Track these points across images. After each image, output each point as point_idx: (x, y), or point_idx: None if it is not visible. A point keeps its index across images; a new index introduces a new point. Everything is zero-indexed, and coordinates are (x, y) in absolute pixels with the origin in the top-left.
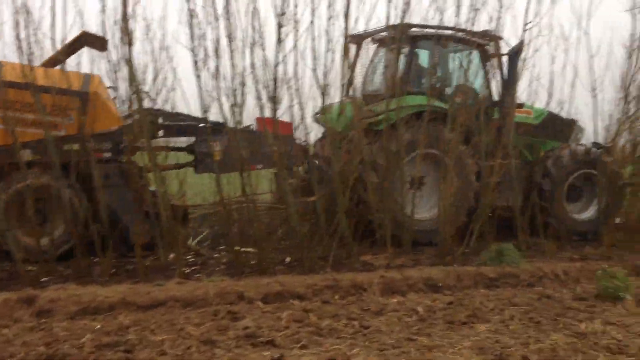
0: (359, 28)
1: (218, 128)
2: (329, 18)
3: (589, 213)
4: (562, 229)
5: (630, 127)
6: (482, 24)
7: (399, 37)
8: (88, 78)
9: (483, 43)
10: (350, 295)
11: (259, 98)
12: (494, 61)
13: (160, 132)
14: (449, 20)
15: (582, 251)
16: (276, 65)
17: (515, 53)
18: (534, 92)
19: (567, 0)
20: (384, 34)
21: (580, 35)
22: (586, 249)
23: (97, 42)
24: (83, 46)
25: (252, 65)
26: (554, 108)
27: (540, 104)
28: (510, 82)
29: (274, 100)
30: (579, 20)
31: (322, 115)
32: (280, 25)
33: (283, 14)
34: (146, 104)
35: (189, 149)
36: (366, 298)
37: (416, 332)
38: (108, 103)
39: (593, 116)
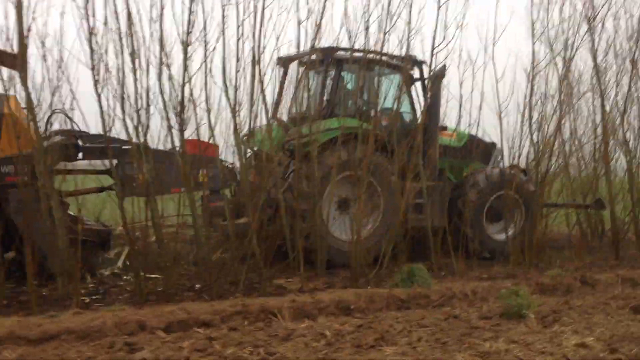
0: (269, 50)
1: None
2: (238, 39)
3: (509, 233)
4: (483, 249)
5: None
6: (391, 47)
7: (325, 60)
8: (3, 98)
9: (407, 67)
10: (260, 320)
11: (167, 119)
12: (419, 85)
13: (80, 155)
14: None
15: (490, 270)
16: (183, 85)
17: (438, 77)
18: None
19: (474, 27)
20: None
21: (487, 60)
22: (494, 268)
23: (7, 60)
24: None
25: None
26: (476, 131)
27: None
28: (433, 106)
29: (182, 122)
30: (485, 47)
31: (249, 138)
32: (186, 45)
33: (189, 32)
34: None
35: (110, 172)
36: (275, 323)
37: (323, 357)
38: (24, 124)
39: (500, 139)
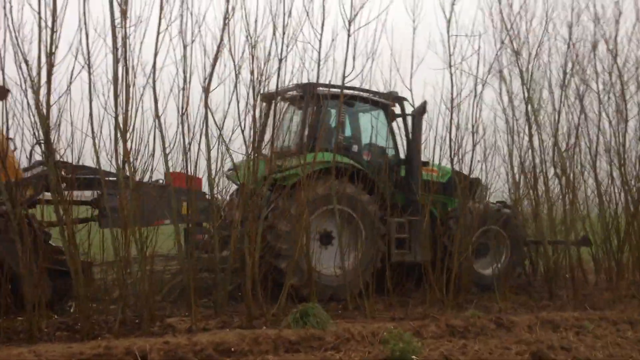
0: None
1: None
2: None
3: (495, 268)
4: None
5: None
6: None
7: (305, 96)
8: None
9: (388, 103)
10: None
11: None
12: (399, 121)
13: (63, 185)
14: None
15: (406, 310)
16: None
17: (419, 113)
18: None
19: (388, 56)
20: (293, 92)
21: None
22: (409, 307)
23: None
24: None
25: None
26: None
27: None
28: (415, 141)
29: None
30: (402, 78)
31: (233, 172)
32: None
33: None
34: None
35: (93, 203)
36: None
37: None
38: (8, 154)
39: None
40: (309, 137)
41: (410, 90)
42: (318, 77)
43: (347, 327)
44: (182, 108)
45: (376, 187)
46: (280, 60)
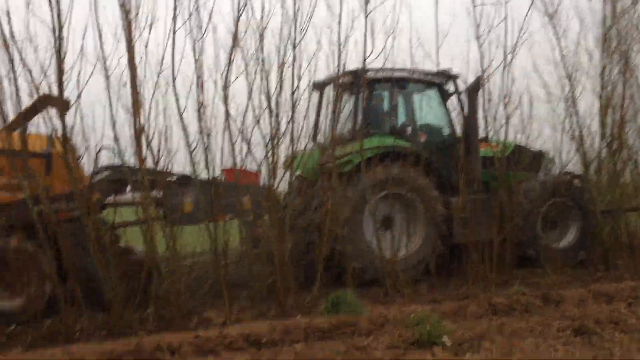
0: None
1: (186, 181)
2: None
3: (566, 241)
4: (539, 258)
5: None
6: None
7: (356, 82)
8: (52, 139)
9: (441, 82)
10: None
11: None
12: (454, 99)
13: (128, 188)
14: None
15: (447, 291)
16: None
17: (473, 89)
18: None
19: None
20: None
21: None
22: (452, 288)
23: (58, 104)
24: (44, 108)
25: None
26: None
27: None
28: (470, 118)
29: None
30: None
31: (291, 163)
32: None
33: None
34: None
35: (157, 203)
36: None
37: None
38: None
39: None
40: (362, 123)
41: (438, 65)
42: (339, 61)
43: (382, 312)
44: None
45: (434, 168)
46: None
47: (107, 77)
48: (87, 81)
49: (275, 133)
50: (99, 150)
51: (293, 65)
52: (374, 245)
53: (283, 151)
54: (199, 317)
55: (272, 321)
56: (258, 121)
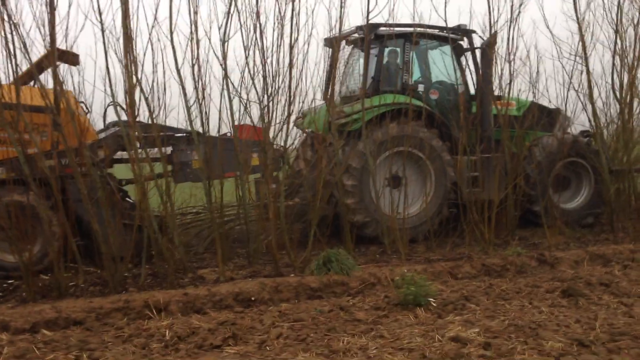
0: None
1: (195, 137)
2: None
3: (576, 202)
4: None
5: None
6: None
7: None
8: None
9: (456, 38)
10: (142, 317)
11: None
12: (469, 55)
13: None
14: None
15: (442, 250)
16: None
17: (488, 46)
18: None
19: None
20: (356, 35)
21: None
22: (449, 248)
23: (69, 58)
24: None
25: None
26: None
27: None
28: (485, 75)
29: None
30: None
31: (302, 119)
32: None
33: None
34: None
35: (167, 159)
36: (153, 321)
37: None
38: (81, 118)
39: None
40: (372, 80)
41: (445, 20)
42: (341, 19)
43: (374, 272)
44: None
45: (445, 126)
46: None
47: (102, 31)
48: (81, 31)
49: (271, 89)
50: (108, 106)
51: (292, 20)
52: (380, 201)
53: (280, 109)
54: (193, 274)
55: (263, 279)
56: (253, 79)
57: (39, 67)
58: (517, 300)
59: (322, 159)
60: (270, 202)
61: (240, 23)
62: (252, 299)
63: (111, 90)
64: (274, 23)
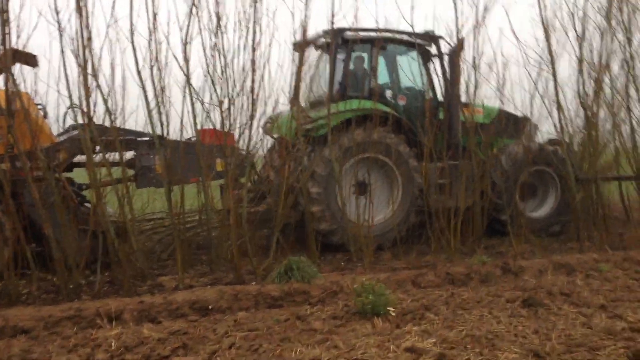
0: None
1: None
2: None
3: (543, 211)
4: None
5: None
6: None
7: (334, 42)
8: (15, 95)
9: (423, 43)
10: (93, 327)
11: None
12: (436, 61)
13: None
14: None
15: (408, 258)
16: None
17: (456, 52)
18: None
19: None
20: (323, 40)
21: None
22: (414, 256)
23: (27, 59)
24: (13, 64)
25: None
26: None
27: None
28: (452, 81)
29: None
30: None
31: (270, 125)
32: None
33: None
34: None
35: (128, 163)
36: (101, 330)
37: None
38: (38, 120)
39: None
40: (339, 85)
41: (412, 25)
42: (306, 19)
43: (337, 280)
44: None
45: (413, 132)
46: None
47: (60, 32)
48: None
49: (232, 92)
50: (67, 110)
51: (254, 22)
52: (346, 209)
53: (241, 113)
54: (153, 281)
55: (222, 287)
56: (212, 81)
57: None
58: (477, 309)
59: (286, 165)
60: (232, 208)
61: (200, 27)
62: (210, 307)
63: (68, 92)
64: (234, 24)
